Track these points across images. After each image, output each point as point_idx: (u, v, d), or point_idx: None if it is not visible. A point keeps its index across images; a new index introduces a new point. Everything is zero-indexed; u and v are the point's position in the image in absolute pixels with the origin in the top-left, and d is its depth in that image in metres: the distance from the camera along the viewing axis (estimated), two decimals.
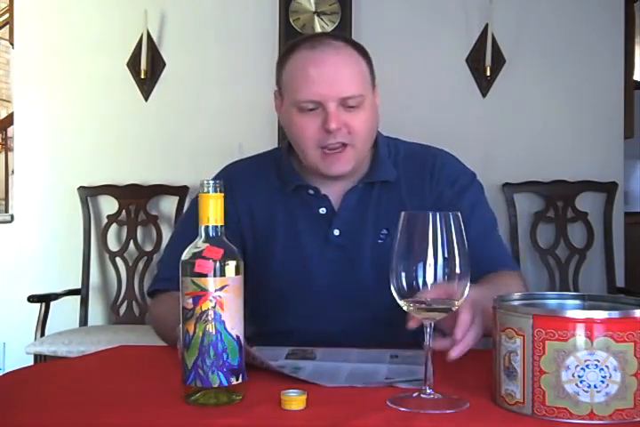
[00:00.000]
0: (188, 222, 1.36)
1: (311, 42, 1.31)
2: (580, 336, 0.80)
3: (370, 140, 1.36)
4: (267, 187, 1.42)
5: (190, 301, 0.89)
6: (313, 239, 1.38)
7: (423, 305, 0.89)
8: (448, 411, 0.86)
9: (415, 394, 0.90)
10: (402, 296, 0.90)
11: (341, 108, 1.27)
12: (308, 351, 1.19)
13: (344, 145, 1.30)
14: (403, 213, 0.92)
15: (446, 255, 0.88)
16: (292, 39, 1.41)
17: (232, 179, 1.42)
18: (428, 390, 0.90)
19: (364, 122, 1.30)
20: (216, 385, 0.88)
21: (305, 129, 1.29)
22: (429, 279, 0.88)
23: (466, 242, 0.89)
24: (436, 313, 0.91)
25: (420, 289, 0.88)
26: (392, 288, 0.90)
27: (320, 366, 1.10)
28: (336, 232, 1.37)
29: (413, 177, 1.40)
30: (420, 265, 0.88)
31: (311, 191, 1.39)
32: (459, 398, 0.90)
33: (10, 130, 3.96)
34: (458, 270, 0.88)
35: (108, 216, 3.14)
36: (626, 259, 3.16)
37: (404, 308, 0.91)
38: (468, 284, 0.90)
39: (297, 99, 1.28)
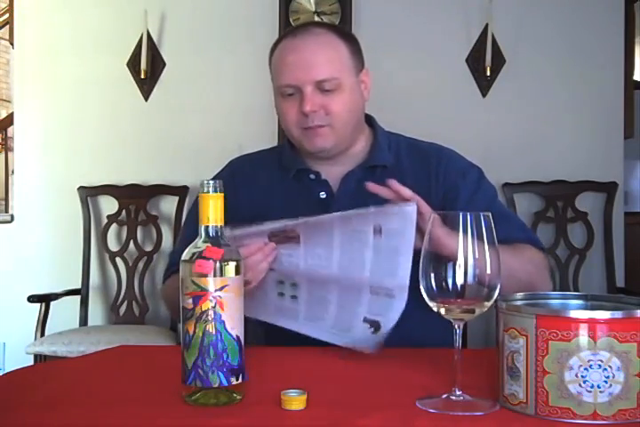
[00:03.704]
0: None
1: (295, 32, 1.37)
2: (583, 336, 0.80)
3: (351, 121, 1.38)
4: (267, 176, 1.47)
5: (190, 301, 0.88)
6: None
7: (453, 306, 0.88)
8: (478, 413, 0.85)
9: (444, 396, 0.89)
10: (431, 297, 0.89)
11: (318, 92, 1.32)
12: (289, 232, 1.19)
13: (322, 126, 1.34)
14: (432, 214, 0.91)
15: (477, 256, 0.86)
16: None
17: (235, 171, 1.49)
18: (458, 392, 0.89)
19: (342, 104, 1.34)
20: (216, 385, 0.88)
21: (287, 113, 1.36)
22: (459, 280, 0.87)
23: (496, 242, 0.88)
24: (466, 314, 0.89)
25: (450, 290, 0.87)
26: (421, 289, 0.89)
27: (310, 289, 1.20)
28: None
29: (419, 167, 1.42)
30: (450, 266, 0.87)
31: (312, 176, 1.42)
32: (487, 399, 0.89)
33: (10, 130, 3.95)
34: (489, 271, 0.87)
35: (108, 216, 3.14)
36: (626, 259, 3.15)
37: (434, 309, 0.90)
38: (499, 285, 0.88)
39: (277, 84, 1.36)
